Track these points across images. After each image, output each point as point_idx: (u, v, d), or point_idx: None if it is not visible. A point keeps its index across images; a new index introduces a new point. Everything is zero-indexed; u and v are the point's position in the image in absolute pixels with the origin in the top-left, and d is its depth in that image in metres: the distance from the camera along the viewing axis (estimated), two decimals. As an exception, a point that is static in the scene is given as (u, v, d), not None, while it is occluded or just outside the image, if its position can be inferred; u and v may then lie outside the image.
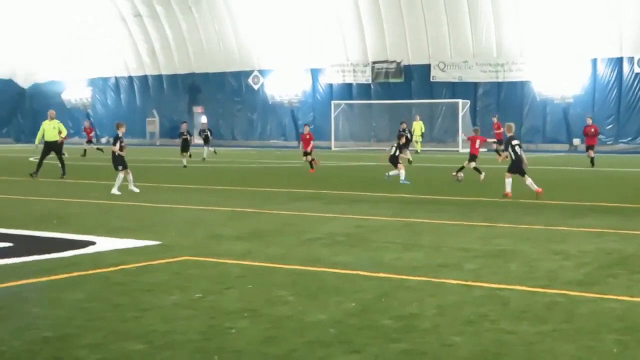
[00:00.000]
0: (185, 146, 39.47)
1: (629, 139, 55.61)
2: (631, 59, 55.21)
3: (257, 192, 24.83)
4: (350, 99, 64.64)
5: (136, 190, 24.01)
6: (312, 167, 33.97)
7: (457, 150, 55.82)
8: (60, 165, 30.50)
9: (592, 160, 38.12)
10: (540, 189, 22.23)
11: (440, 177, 30.83)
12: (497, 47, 58.71)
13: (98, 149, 32.20)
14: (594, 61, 56.45)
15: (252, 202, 21.55)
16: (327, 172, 34.08)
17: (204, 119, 40.84)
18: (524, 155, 22.82)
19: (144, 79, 74.84)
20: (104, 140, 75.82)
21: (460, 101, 58.43)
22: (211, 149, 46.11)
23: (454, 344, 7.86)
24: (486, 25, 58.25)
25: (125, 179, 24.41)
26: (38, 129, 31.08)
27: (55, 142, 30.57)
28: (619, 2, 53.33)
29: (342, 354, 7.51)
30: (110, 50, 74.38)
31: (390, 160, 28.70)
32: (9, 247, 13.95)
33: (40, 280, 10.99)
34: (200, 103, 72.61)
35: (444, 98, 60.45)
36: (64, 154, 31.99)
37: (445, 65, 60.92)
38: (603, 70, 56.40)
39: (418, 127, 55.15)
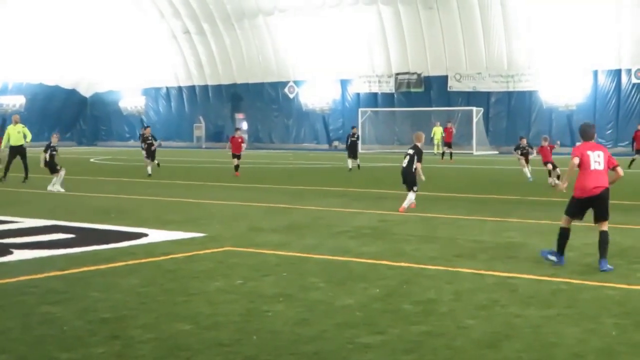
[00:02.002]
0: (150, 152, 32.28)
1: (627, 142, 54.86)
2: (629, 71, 54.73)
3: (291, 190, 24.84)
4: (376, 106, 64.50)
5: (62, 189, 23.41)
6: (236, 170, 31.47)
7: (472, 153, 55.61)
8: (24, 169, 27.65)
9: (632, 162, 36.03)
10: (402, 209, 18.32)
11: (455, 177, 30.71)
12: (507, 60, 58.38)
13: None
14: (595, 72, 56.00)
15: (287, 198, 21.57)
16: (354, 172, 34.00)
17: (148, 132, 33.98)
18: (419, 167, 18.57)
19: (192, 88, 75.09)
20: (156, 143, 76.10)
21: (474, 109, 58.23)
22: (155, 161, 32.93)
23: (469, 327, 7.84)
24: (498, 40, 57.96)
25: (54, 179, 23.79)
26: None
27: (21, 146, 28.09)
28: (618, 20, 52.88)
29: (367, 335, 7.51)
30: (162, 63, 74.70)
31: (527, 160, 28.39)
32: (72, 238, 14.07)
33: (100, 268, 11.07)
34: (241, 110, 72.73)
35: (460, 106, 60.15)
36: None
37: (461, 76, 60.68)
38: (603, 80, 55.97)
39: (438, 132, 55.14)
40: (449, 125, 49.02)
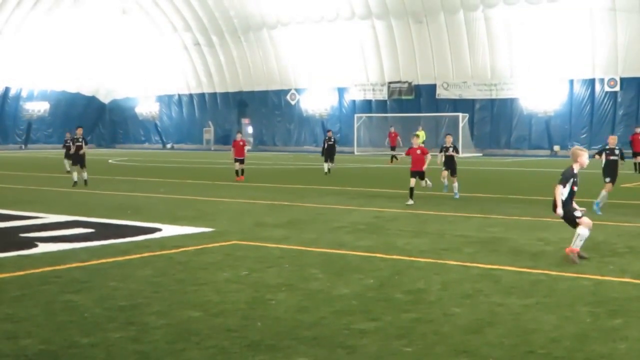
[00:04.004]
0: (72, 156, 26.51)
1: (600, 146, 54.88)
2: (602, 80, 54.73)
3: (293, 189, 24.81)
4: (370, 112, 64.52)
5: None
6: (239, 175, 28.37)
7: (458, 155, 55.52)
8: None
9: (636, 165, 34.31)
10: None
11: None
12: (491, 70, 58.41)
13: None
14: (571, 82, 56.02)
15: (289, 196, 21.54)
16: (350, 172, 33.95)
17: (80, 132, 26.63)
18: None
19: (201, 95, 75.09)
20: (169, 146, 76.24)
21: (460, 115, 58.26)
22: (84, 173, 25.95)
23: (455, 314, 7.83)
24: (482, 52, 58.01)
25: None
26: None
27: None
28: (592, 34, 52.91)
29: (362, 321, 7.50)
30: (175, 72, 74.75)
31: None
32: (92, 232, 14.05)
33: (117, 260, 11.06)
34: (247, 115, 72.78)
35: (447, 112, 60.20)
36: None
37: (448, 85, 60.70)
38: (579, 89, 55.99)
39: (421, 135, 55.17)
40: (392, 129, 47.78)
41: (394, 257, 11.30)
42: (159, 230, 14.28)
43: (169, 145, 76.34)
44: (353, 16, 61.88)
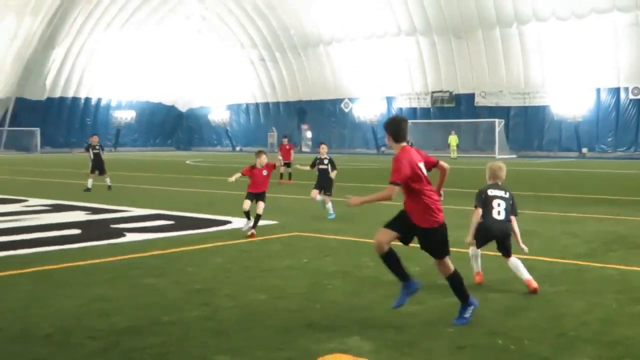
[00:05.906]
0: (98, 164, 23.27)
1: (625, 148, 53.98)
2: (627, 89, 53.51)
3: (346, 187, 24.78)
4: (415, 119, 64.03)
5: None
6: (283, 178, 26.04)
7: (494, 157, 54.87)
8: None
9: None
10: None
11: (480, 176, 30.28)
12: (524, 80, 57.56)
13: None
14: (598, 90, 54.88)
15: (343, 193, 21.48)
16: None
17: (95, 140, 24.14)
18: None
19: (266, 104, 75.56)
20: (238, 148, 76.86)
21: (496, 120, 57.52)
22: (107, 180, 23.39)
23: (492, 299, 7.74)
24: (516, 64, 57.21)
25: None
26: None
27: None
28: (617, 46, 51.78)
29: (409, 305, 7.43)
30: (243, 84, 75.36)
31: None
32: (172, 224, 14.23)
33: (193, 248, 11.18)
34: (306, 122, 72.99)
35: (485, 118, 59.53)
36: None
37: (485, 94, 59.99)
38: (605, 97, 54.83)
39: (453, 139, 54.97)
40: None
41: (437, 247, 11.18)
42: (230, 222, 14.41)
43: (238, 148, 76.98)
44: (399, 33, 61.57)
